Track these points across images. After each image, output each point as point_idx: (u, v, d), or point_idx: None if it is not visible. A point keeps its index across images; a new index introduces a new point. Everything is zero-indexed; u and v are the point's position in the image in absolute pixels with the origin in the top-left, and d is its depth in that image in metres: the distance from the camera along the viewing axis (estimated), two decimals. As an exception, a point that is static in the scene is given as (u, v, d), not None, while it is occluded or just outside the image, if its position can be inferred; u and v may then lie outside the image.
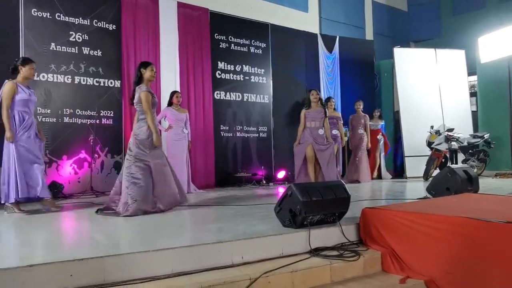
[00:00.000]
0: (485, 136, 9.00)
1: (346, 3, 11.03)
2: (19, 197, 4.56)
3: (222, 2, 8.38)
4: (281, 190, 7.05)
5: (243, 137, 8.39)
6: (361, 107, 8.75)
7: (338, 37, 10.01)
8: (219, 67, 8.13)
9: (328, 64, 9.74)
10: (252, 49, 8.59)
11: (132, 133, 4.71)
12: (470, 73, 10.31)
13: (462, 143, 8.78)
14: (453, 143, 8.56)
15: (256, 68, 8.62)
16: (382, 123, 9.34)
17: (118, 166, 6.77)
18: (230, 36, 8.29)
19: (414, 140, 9.19)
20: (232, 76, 8.30)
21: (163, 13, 7.48)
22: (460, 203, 3.83)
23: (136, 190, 4.38)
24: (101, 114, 6.82)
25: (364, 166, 8.45)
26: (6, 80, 4.74)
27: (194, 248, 2.67)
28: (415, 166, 9.10)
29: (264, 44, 8.79)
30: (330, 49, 9.79)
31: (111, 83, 6.94)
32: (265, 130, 8.70)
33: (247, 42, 8.52)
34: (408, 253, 3.07)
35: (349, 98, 9.53)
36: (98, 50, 6.85)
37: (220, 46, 8.17)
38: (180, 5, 7.65)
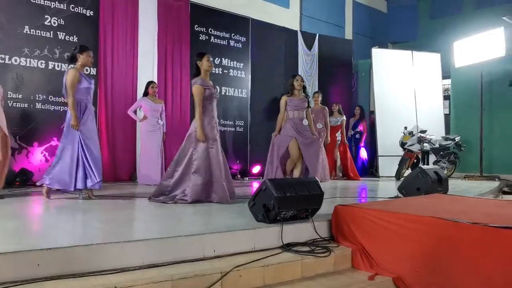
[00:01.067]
0: (456, 139, 9.23)
1: (327, 2, 11.08)
2: (84, 186, 4.62)
3: (203, -7, 8.30)
4: (255, 185, 7.07)
5: (219, 131, 8.32)
6: (320, 99, 8.09)
7: (318, 34, 10.06)
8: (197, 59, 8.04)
9: (307, 61, 9.78)
10: (232, 43, 8.56)
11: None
12: (444, 77, 10.53)
13: (434, 145, 8.97)
14: (425, 144, 8.75)
15: (235, 62, 8.59)
16: (342, 117, 8.81)
17: (91, 155, 6.65)
18: (210, 29, 8.22)
19: (388, 140, 9.35)
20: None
21: (142, 2, 7.36)
22: (430, 203, 3.92)
23: (193, 180, 4.44)
24: (75, 102, 6.67)
25: (324, 165, 7.73)
26: (69, 67, 4.80)
27: (165, 240, 2.65)
28: (387, 166, 9.27)
29: (244, 38, 8.76)
30: (309, 46, 9.83)
31: (87, 70, 6.80)
32: (242, 124, 8.69)
33: (227, 35, 8.47)
34: (377, 251, 3.13)
35: (327, 96, 9.61)
36: (74, 36, 6.69)
37: (200, 38, 8.10)
38: (160, -5, 7.55)
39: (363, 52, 10.83)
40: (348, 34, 11.57)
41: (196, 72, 4.72)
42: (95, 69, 6.86)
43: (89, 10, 6.84)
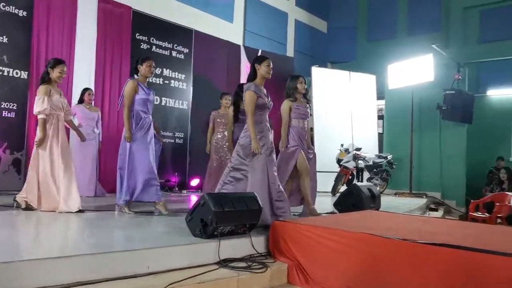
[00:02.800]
0: (388, 157, 9.68)
1: (270, 19, 11.30)
2: (129, 198, 4.55)
3: (146, 2, 8.14)
4: (194, 198, 6.96)
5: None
6: (230, 102, 6.66)
7: (260, 50, 10.21)
8: (136, 62, 7.85)
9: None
10: (174, 53, 8.45)
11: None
12: (379, 97, 11.05)
13: (368, 162, 9.34)
14: (360, 161, 9.08)
15: (176, 73, 8.48)
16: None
17: (17, 164, 6.25)
18: (152, 38, 8.07)
19: (326, 157, 9.60)
20: (151, 79, 8.06)
21: (81, 6, 7.08)
22: (363, 219, 4.05)
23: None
24: (2, 106, 6.25)
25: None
26: (128, 79, 4.74)
27: (97, 257, 2.52)
28: (324, 181, 9.50)
29: (187, 50, 8.68)
30: (252, 61, 9.92)
31: (17, 73, 6.40)
32: (182, 136, 8.57)
33: (169, 46, 8.36)
34: (312, 266, 3.17)
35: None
36: (4, 37, 6.29)
37: (141, 46, 7.92)
38: (100, 0, 7.30)
39: (304, 70, 11.10)
40: (290, 52, 11.84)
41: (252, 76, 4.33)
42: (26, 73, 6.48)
43: (22, 11, 6.48)
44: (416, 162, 10.31)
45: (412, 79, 9.94)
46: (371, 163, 9.43)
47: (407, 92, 10.01)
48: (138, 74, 4.73)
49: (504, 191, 8.08)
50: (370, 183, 8.72)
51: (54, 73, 4.61)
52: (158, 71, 8.11)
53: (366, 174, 9.59)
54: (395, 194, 9.64)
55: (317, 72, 10.33)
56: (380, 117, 11.40)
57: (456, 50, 10.73)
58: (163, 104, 8.21)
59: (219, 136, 6.70)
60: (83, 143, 6.29)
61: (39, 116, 4.50)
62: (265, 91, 4.38)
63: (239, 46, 9.88)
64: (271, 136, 4.35)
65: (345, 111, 10.40)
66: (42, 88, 4.54)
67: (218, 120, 6.76)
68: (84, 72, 7.07)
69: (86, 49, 7.12)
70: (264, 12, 11.13)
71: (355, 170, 9.11)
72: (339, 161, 8.93)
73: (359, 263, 2.95)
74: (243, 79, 9.72)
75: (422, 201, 8.49)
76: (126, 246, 2.81)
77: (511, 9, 10.51)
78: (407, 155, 10.14)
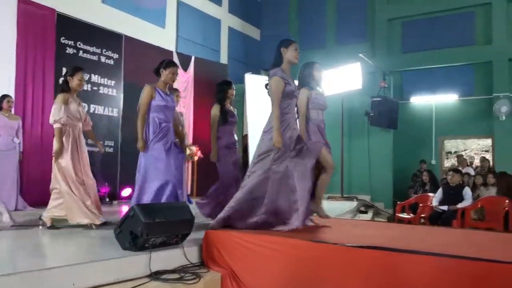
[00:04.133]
0: (320, 162, 9.93)
1: (204, 25, 11.25)
2: None
3: (72, 5, 7.76)
4: (125, 208, 6.71)
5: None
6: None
7: (193, 57, 10.12)
8: (63, 74, 7.46)
9: (182, 82, 9.73)
10: (103, 59, 8.13)
11: None
12: (311, 104, 11.33)
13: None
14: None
15: (106, 79, 8.16)
16: None
17: None
18: (79, 42, 7.71)
19: (260, 163, 9.68)
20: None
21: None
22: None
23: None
24: None
25: None
26: (146, 84, 4.34)
27: (18, 276, 2.33)
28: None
29: (117, 55, 8.40)
30: (185, 67, 9.82)
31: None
32: (112, 144, 8.25)
33: (97, 51, 8.03)
34: (246, 274, 3.16)
35: (201, 117, 9.68)
36: None
37: (67, 51, 7.54)
38: (20, 1, 6.87)
39: (238, 76, 11.16)
40: (224, 58, 11.85)
41: (278, 61, 3.84)
42: None
43: None
44: (347, 166, 10.71)
45: (341, 86, 10.32)
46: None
47: (337, 99, 10.36)
48: (159, 78, 4.39)
49: (426, 192, 8.58)
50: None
51: (74, 82, 4.43)
52: (86, 77, 7.74)
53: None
54: (328, 198, 9.91)
55: (250, 79, 10.41)
56: (312, 123, 11.67)
57: (382, 59, 11.30)
58: (91, 111, 7.85)
59: None
60: (2, 154, 5.90)
61: (55, 126, 4.29)
62: (291, 77, 3.89)
63: (171, 52, 9.72)
64: (294, 132, 3.78)
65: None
66: (59, 97, 4.37)
67: None
68: (2, 79, 6.60)
69: (5, 54, 6.64)
70: (197, 19, 11.06)
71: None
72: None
73: (292, 269, 2.97)
74: (176, 85, 9.58)
75: (353, 204, 8.81)
76: (49, 263, 2.64)
77: (431, 22, 11.26)
78: (338, 160, 10.46)
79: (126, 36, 8.57)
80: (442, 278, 2.44)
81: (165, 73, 4.37)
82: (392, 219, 8.65)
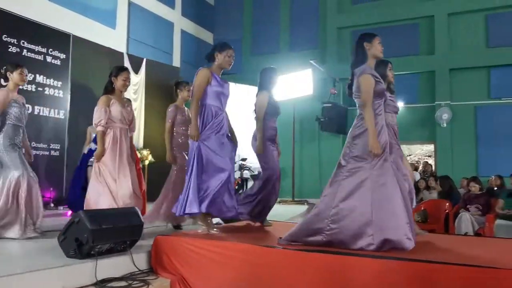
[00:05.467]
0: (272, 166, 10.03)
1: (156, 27, 11.09)
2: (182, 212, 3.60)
3: (16, 1, 7.42)
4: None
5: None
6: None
7: (145, 59, 9.95)
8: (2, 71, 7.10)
9: (134, 84, 9.54)
10: (48, 59, 7.81)
11: None
12: (264, 109, 11.43)
13: (253, 172, 9.59)
14: (245, 171, 9.29)
15: (52, 80, 7.84)
16: None
17: None
18: (22, 41, 7.36)
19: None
20: (22, 86, 7.36)
21: None
22: (247, 230, 4.13)
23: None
24: None
25: None
26: (201, 67, 3.89)
27: None
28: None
29: (64, 55, 8.10)
30: (136, 70, 9.63)
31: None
32: (58, 148, 7.93)
33: (43, 50, 7.70)
34: (196, 280, 3.14)
35: (151, 120, 9.53)
36: None
37: (10, 49, 7.17)
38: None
39: (190, 80, 11.04)
40: (176, 62, 11.74)
41: (361, 58, 3.35)
42: None
43: None
44: (298, 171, 10.88)
45: (293, 92, 10.49)
46: (256, 172, 9.69)
47: (289, 104, 10.52)
48: (212, 63, 3.95)
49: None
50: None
51: (118, 82, 4.16)
52: (30, 77, 7.42)
53: (251, 184, 9.84)
54: (279, 202, 10.01)
55: (203, 83, 10.36)
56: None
57: (332, 66, 11.60)
58: (36, 113, 7.52)
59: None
60: None
61: (97, 129, 4.02)
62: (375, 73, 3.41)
63: (122, 53, 9.50)
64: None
65: (230, 122, 10.56)
66: (101, 99, 4.13)
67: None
68: None
69: None
70: (149, 21, 10.89)
71: (240, 180, 9.29)
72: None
73: (242, 274, 2.98)
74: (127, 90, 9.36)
75: (304, 207, 8.95)
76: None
77: (378, 32, 11.53)
78: (289, 164, 10.62)
79: (74, 36, 8.29)
80: (386, 279, 2.53)
81: (220, 57, 3.95)
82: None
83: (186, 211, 3.56)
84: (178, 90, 4.97)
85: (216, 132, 3.78)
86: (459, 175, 9.19)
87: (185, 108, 5.01)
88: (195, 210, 3.52)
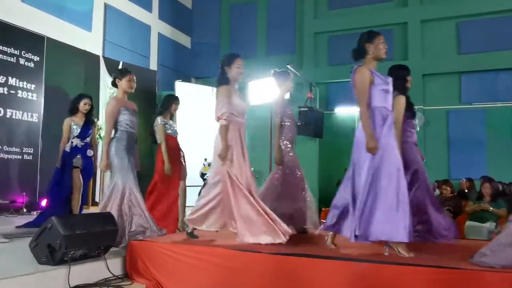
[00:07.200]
0: (251, 169, 10.08)
1: (132, 30, 11.00)
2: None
3: (-13, 3, 7.29)
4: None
5: (2, 159, 7.30)
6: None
7: (121, 62, 9.85)
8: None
9: (109, 87, 9.44)
10: (21, 61, 7.66)
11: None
12: (241, 113, 11.48)
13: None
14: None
15: (25, 82, 7.70)
16: None
17: None
18: (-6, 42, 7.24)
19: (190, 171, 9.60)
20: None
21: None
22: (223, 234, 4.13)
23: None
24: None
25: None
26: (356, 66, 3.40)
27: None
28: (189, 196, 9.48)
29: (38, 58, 7.96)
30: (112, 73, 9.53)
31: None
32: (31, 152, 7.78)
33: (15, 52, 7.55)
34: (172, 284, 3.14)
35: (128, 125, 9.41)
36: None
37: (-19, 51, 7.04)
38: None
39: (168, 84, 11.04)
40: (153, 65, 11.66)
41: (362, 56, 3.37)
42: None
43: None
44: (275, 174, 10.91)
45: (270, 96, 10.53)
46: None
47: (266, 108, 10.57)
48: (366, 56, 3.48)
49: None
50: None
51: (233, 71, 3.87)
52: (2, 79, 7.28)
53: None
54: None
55: (180, 86, 10.35)
56: (242, 132, 11.83)
57: (309, 71, 11.71)
58: (8, 116, 7.37)
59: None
60: None
61: (220, 122, 3.76)
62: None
63: (98, 56, 9.40)
64: None
65: (208, 126, 10.56)
66: (221, 90, 3.81)
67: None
68: None
69: None
70: (126, 23, 10.80)
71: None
72: (202, 175, 9.03)
73: (217, 278, 3.00)
74: (102, 90, 9.28)
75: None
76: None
77: (354, 37, 11.78)
78: (266, 167, 10.65)
79: (48, 38, 8.16)
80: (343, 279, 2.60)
81: (372, 47, 3.49)
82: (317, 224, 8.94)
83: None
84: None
85: (388, 136, 3.36)
86: (431, 178, 9.39)
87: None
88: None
